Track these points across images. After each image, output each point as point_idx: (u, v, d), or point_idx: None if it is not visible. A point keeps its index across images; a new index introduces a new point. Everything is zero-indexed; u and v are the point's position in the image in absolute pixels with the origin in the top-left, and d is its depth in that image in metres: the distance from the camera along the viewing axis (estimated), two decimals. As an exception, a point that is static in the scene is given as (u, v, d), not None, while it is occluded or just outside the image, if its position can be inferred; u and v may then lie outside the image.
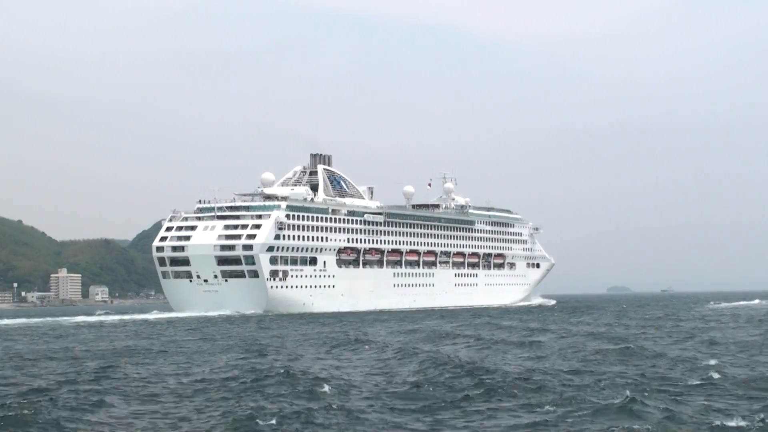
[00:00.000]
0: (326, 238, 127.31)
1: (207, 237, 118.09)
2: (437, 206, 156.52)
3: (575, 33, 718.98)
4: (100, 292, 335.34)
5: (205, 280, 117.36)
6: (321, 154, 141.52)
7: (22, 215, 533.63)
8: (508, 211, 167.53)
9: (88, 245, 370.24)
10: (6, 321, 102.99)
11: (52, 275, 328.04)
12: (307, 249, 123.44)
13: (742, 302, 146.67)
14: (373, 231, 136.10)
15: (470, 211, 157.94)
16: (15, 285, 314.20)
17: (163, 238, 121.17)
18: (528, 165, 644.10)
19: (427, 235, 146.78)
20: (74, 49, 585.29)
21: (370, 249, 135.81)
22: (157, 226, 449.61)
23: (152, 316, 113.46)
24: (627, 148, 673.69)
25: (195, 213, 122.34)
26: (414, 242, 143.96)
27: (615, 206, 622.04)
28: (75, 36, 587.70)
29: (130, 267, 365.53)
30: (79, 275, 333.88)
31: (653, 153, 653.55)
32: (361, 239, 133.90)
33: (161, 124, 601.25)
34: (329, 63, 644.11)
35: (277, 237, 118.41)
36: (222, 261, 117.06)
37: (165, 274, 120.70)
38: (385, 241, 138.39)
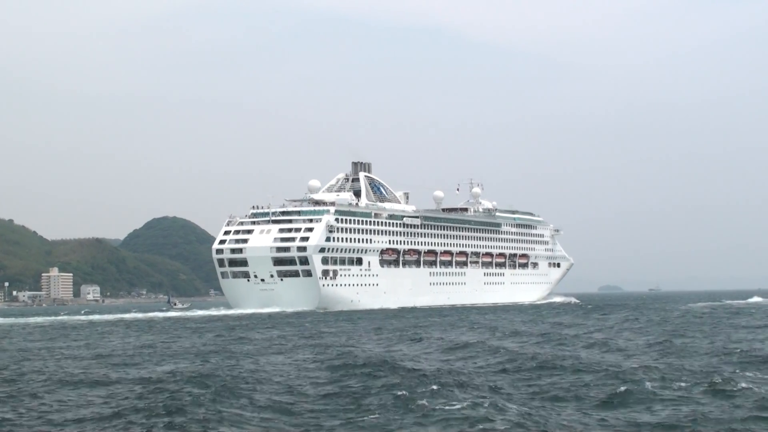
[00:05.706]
0: (370, 240, 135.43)
1: (263, 240, 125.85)
2: (465, 210, 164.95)
3: (589, 32, 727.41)
4: (91, 292, 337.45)
5: (262, 280, 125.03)
6: (362, 162, 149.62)
7: (13, 214, 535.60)
8: (531, 214, 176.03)
9: (80, 244, 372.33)
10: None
11: (43, 274, 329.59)
12: (353, 250, 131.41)
13: (709, 302, 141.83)
14: (411, 233, 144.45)
15: (497, 214, 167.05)
16: (6, 284, 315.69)
17: (222, 241, 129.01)
18: (526, 166, 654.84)
19: (459, 237, 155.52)
20: (73, 48, 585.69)
21: (409, 250, 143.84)
22: (148, 226, 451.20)
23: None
24: (622, 148, 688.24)
25: (250, 218, 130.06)
26: (447, 243, 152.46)
27: (611, 206, 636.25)
28: (75, 36, 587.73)
29: (121, 266, 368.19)
30: (71, 274, 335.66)
31: (650, 152, 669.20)
32: (400, 241, 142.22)
33: (156, 124, 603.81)
34: (340, 65, 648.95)
35: (327, 239, 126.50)
36: (278, 261, 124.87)
37: (224, 274, 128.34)
38: (421, 242, 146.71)
